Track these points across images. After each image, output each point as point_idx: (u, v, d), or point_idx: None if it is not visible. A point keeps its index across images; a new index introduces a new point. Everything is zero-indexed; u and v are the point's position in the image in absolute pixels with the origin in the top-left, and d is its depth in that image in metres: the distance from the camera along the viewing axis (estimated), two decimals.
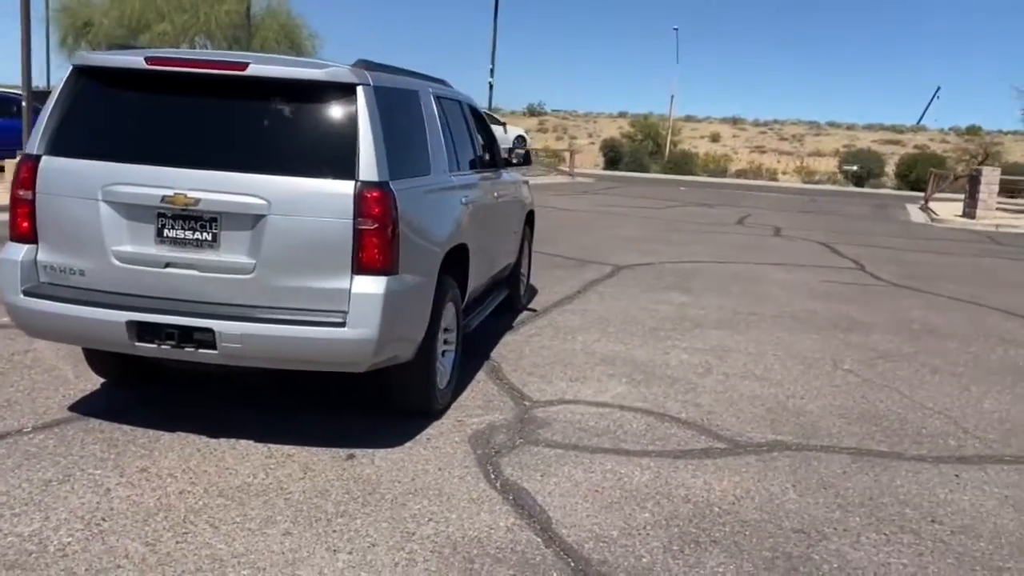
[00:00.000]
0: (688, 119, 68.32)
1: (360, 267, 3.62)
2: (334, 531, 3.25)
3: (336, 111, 3.65)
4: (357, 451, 4.00)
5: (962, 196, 22.30)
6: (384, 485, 3.68)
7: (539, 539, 3.30)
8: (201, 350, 3.63)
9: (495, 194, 5.76)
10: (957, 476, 4.20)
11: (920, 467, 4.29)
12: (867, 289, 9.63)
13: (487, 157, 5.94)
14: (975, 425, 4.98)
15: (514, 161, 6.42)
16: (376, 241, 3.62)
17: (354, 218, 3.58)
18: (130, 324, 3.63)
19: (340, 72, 3.67)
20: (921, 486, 4.05)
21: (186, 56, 3.79)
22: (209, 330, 3.58)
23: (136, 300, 3.68)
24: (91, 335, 3.78)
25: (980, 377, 6.02)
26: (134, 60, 3.74)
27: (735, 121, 72.40)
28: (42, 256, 3.82)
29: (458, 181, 4.80)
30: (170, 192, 3.60)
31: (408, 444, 4.14)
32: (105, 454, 3.81)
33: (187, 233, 3.67)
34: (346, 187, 3.58)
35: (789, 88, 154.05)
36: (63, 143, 3.77)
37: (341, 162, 3.59)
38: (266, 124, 3.73)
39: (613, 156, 40.38)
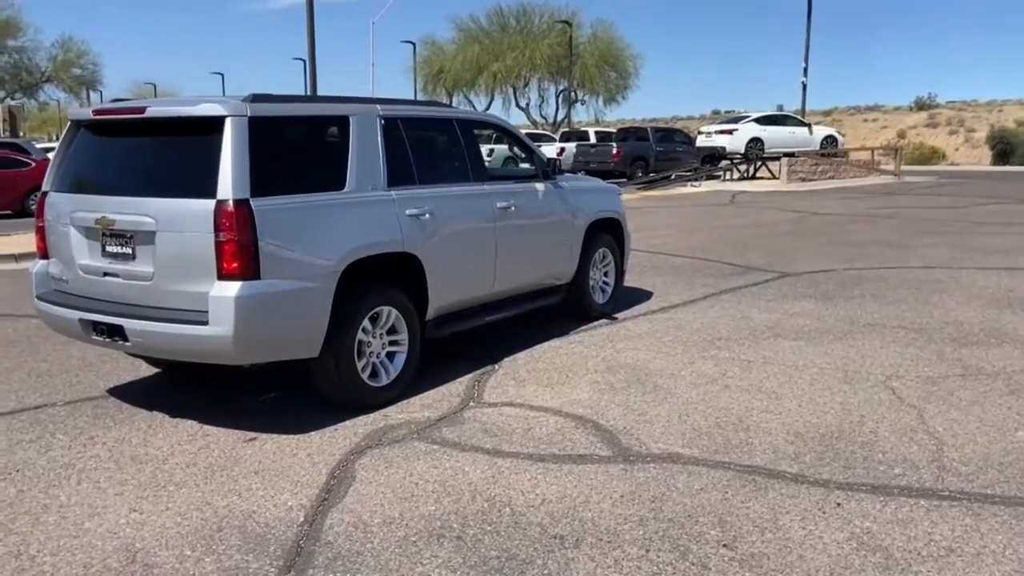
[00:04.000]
0: None
1: (221, 274, 4.22)
2: (155, 495, 3.87)
3: (207, 141, 4.29)
4: (263, 435, 4.58)
5: None
6: (244, 462, 4.21)
7: (301, 517, 3.61)
8: (121, 342, 4.49)
9: (506, 206, 5.95)
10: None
11: (808, 492, 3.76)
12: None
13: (499, 169, 6.15)
14: None
15: (552, 172, 6.52)
16: (232, 251, 4.19)
17: (215, 231, 4.19)
18: (82, 321, 4.61)
19: (212, 108, 4.32)
20: (788, 516, 3.57)
21: (113, 106, 4.72)
22: (121, 327, 4.43)
23: (87, 302, 4.67)
24: (67, 330, 4.84)
25: None
26: (86, 112, 4.77)
27: None
28: (51, 269, 4.98)
29: (406, 195, 5.16)
30: (99, 215, 4.53)
31: (313, 433, 4.61)
32: (86, 424, 4.83)
33: (118, 248, 4.57)
34: (208, 205, 4.20)
35: None
36: (57, 180, 4.92)
37: (206, 184, 4.23)
38: (159, 155, 4.54)
39: (1003, 148, 35.26)
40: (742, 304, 7.78)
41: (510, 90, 52.88)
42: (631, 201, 20.18)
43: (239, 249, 4.20)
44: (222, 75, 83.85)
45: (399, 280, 5.18)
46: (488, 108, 55.57)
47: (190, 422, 4.81)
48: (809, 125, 28.84)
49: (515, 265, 6.13)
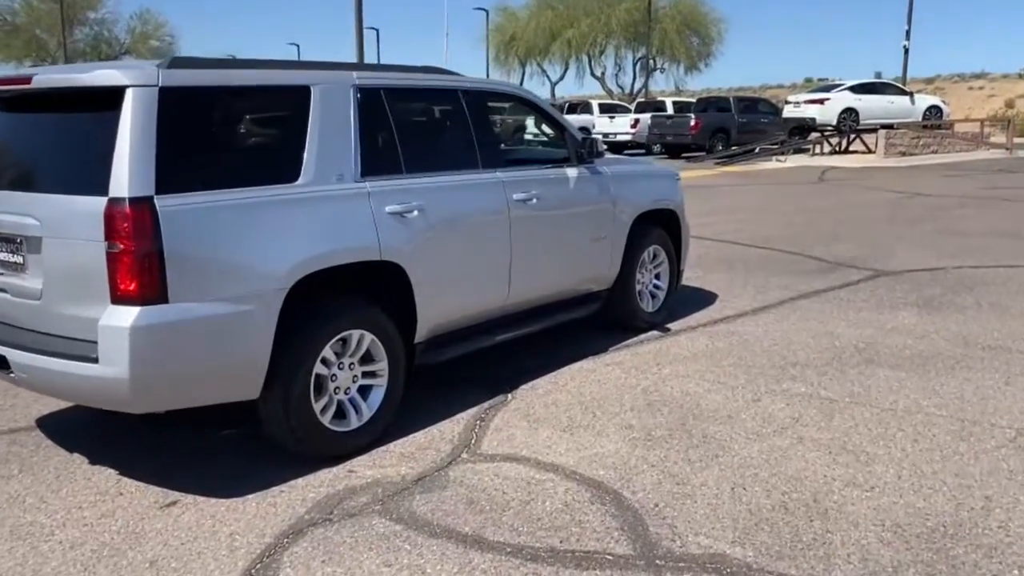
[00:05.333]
0: None
1: (115, 295, 3.20)
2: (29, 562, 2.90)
3: (103, 119, 3.25)
4: (187, 498, 3.58)
5: None
6: (146, 543, 3.21)
7: None
8: (8, 374, 3.53)
9: (525, 197, 4.79)
10: None
11: None
12: None
13: (519, 152, 4.99)
14: None
15: (588, 154, 5.30)
16: (129, 266, 3.17)
17: (105, 239, 3.17)
18: None
19: (110, 75, 3.27)
20: None
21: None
22: (4, 357, 3.46)
23: None
24: None
25: None
26: None
27: None
28: None
29: (387, 186, 4.04)
30: None
31: (251, 496, 3.58)
32: (20, 456, 3.92)
33: (7, 255, 3.60)
34: (98, 205, 3.18)
35: None
36: None
37: (97, 177, 3.20)
38: (49, 138, 3.51)
39: None
40: (826, 314, 6.43)
41: (585, 58, 50.99)
42: (707, 178, 18.65)
43: (137, 263, 3.17)
44: (297, 46, 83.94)
45: (377, 295, 4.09)
46: (562, 78, 53.96)
47: (110, 471, 3.84)
48: (911, 94, 26.42)
49: (537, 270, 4.96)
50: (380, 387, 4.08)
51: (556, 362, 5.29)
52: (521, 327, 4.95)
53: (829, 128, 24.78)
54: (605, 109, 30.99)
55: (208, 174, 3.41)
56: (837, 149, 24.83)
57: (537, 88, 62.17)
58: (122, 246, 3.15)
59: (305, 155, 3.76)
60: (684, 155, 25.30)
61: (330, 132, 3.87)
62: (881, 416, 4.34)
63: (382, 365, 4.07)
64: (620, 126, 28.42)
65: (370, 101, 4.11)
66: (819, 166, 21.27)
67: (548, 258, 5.03)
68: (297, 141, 3.76)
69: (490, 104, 4.98)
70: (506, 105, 5.82)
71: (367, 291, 4.06)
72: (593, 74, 52.55)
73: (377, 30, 48.05)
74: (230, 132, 3.62)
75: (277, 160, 3.70)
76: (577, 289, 5.43)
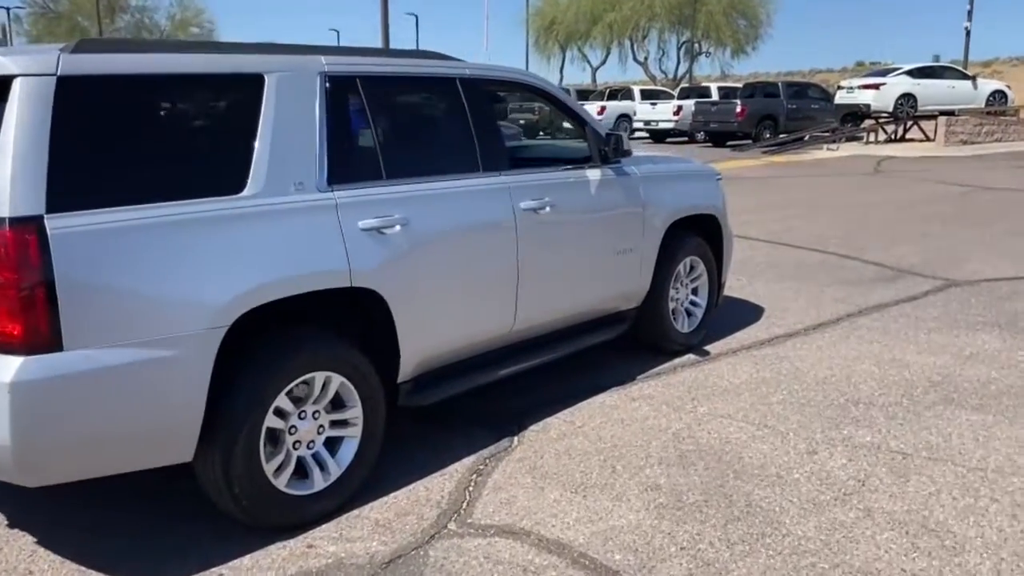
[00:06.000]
0: None
1: None
2: None
3: None
4: None
5: None
6: None
7: None
8: None
9: (536, 206, 4.04)
10: None
11: None
12: None
13: (529, 150, 4.24)
14: None
15: (613, 152, 4.51)
16: (8, 304, 2.49)
17: None
18: None
19: None
20: None
21: None
22: None
23: None
24: None
25: None
26: None
27: None
28: None
29: (360, 197, 3.33)
30: None
31: None
32: None
33: None
34: None
35: None
36: None
37: None
38: None
39: None
40: (891, 335, 5.57)
41: (627, 43, 49.74)
42: (753, 168, 17.62)
43: (20, 301, 2.49)
44: (337, 32, 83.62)
45: (349, 328, 3.39)
46: (603, 63, 52.80)
47: (25, 539, 3.19)
48: (973, 78, 24.92)
49: (550, 290, 4.22)
50: (352, 439, 3.38)
51: (573, 393, 4.55)
52: (531, 358, 4.21)
53: (885, 114, 23.49)
54: (647, 95, 29.94)
55: (119, 186, 2.72)
56: (893, 137, 23.54)
57: (578, 74, 60.94)
58: (1, 278, 2.48)
59: (254, 160, 3.05)
60: (729, 144, 24.20)
61: (288, 131, 3.16)
62: (968, 479, 3.52)
63: (355, 412, 3.36)
64: (662, 113, 27.36)
65: (342, 92, 3.40)
66: (874, 155, 20.08)
67: (564, 276, 4.28)
68: (244, 143, 3.06)
69: (494, 94, 4.22)
70: (515, 95, 5.02)
71: (336, 324, 3.36)
72: (636, 59, 51.33)
73: (416, 16, 47.40)
74: (153, 133, 2.91)
75: (215, 167, 2.99)
76: (599, 309, 4.67)
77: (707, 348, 5.32)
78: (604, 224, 4.52)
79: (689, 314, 5.32)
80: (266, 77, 3.15)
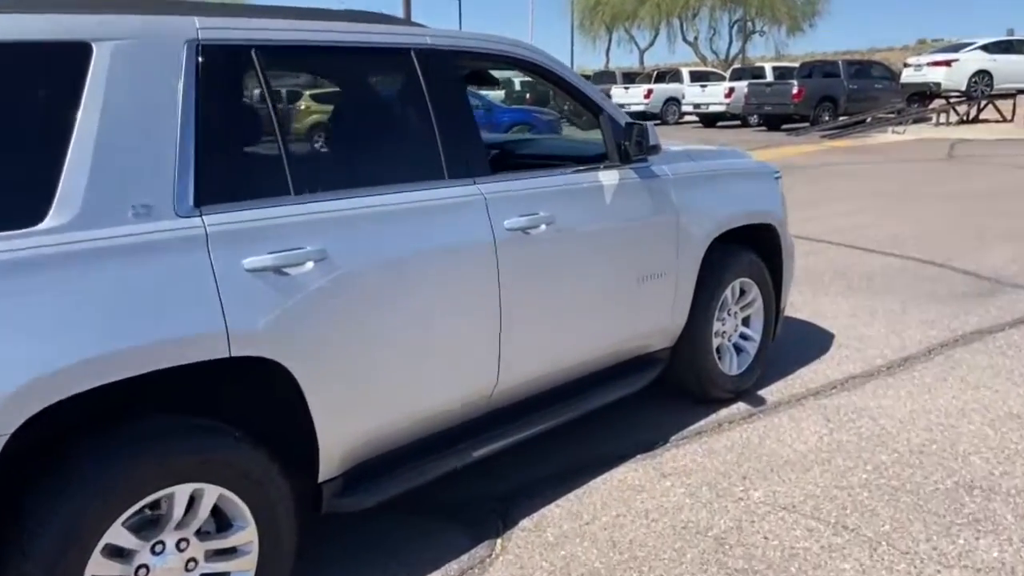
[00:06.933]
0: None
1: None
2: None
3: None
4: None
5: None
6: None
7: None
8: None
9: (527, 224, 2.94)
10: None
11: None
12: None
13: (521, 147, 3.16)
14: None
15: (637, 148, 3.36)
16: None
17: None
18: None
19: None
20: None
21: None
22: None
23: None
24: None
25: None
26: None
27: None
28: None
29: (247, 224, 2.26)
30: None
31: None
32: None
33: None
34: None
35: None
36: None
37: None
38: None
39: None
40: (1001, 375, 4.34)
41: (676, 22, 47.85)
42: (812, 155, 16.15)
43: None
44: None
45: (233, 413, 2.34)
46: (652, 44, 50.93)
47: None
48: None
49: (548, 335, 3.12)
50: (244, 573, 2.33)
51: (581, 466, 3.45)
52: (521, 428, 3.12)
53: (956, 94, 21.68)
54: (696, 77, 28.39)
55: None
56: (965, 118, 21.73)
57: (625, 56, 59.38)
58: None
59: (63, 174, 2.01)
60: (784, 127, 22.65)
61: (127, 128, 2.10)
62: None
63: (244, 535, 2.31)
64: (713, 96, 25.86)
65: (226, 69, 2.33)
66: (945, 138, 18.41)
67: (567, 315, 3.18)
68: (48, 148, 2.01)
69: (468, 71, 3.12)
70: (496, 69, 3.83)
71: (212, 407, 2.31)
72: (685, 39, 49.40)
73: None
74: None
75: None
76: (619, 353, 3.56)
77: (762, 394, 4.17)
78: (623, 244, 3.38)
79: (739, 351, 4.17)
80: (94, 47, 2.10)
